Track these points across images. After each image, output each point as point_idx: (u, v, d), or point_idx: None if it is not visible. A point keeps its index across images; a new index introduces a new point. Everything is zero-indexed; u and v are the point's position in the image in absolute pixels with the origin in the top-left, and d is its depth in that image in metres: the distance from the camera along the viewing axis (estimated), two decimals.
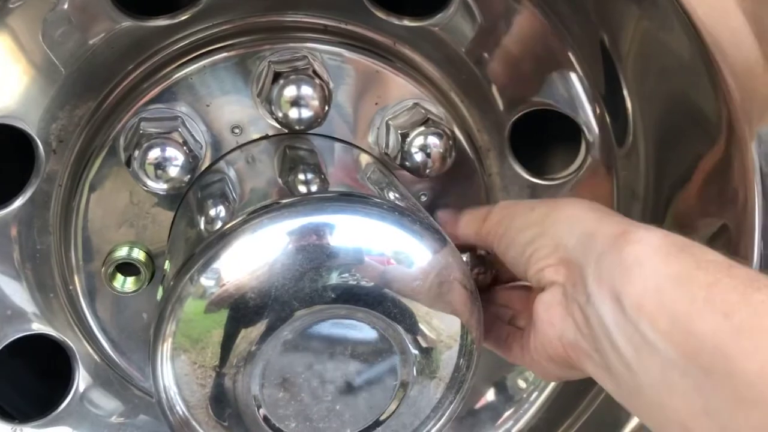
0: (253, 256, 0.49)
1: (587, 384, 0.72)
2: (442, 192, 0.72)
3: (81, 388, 0.73)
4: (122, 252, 0.67)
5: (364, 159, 0.67)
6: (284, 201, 0.51)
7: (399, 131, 0.66)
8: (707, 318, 0.40)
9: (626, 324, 0.43)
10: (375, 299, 0.50)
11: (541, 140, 0.77)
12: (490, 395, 0.76)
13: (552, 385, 0.76)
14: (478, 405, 0.76)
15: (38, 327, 0.71)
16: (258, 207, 0.51)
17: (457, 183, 0.72)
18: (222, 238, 0.50)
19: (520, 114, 0.71)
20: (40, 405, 0.73)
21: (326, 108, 0.63)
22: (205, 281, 0.49)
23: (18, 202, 0.66)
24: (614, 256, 0.44)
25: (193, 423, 0.51)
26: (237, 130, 0.66)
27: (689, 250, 0.43)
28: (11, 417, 0.72)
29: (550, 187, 0.74)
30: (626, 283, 0.43)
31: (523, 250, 0.53)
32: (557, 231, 0.51)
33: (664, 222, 0.71)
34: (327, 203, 0.51)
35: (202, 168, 0.65)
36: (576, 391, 0.75)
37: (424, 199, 0.71)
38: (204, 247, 0.50)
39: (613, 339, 0.43)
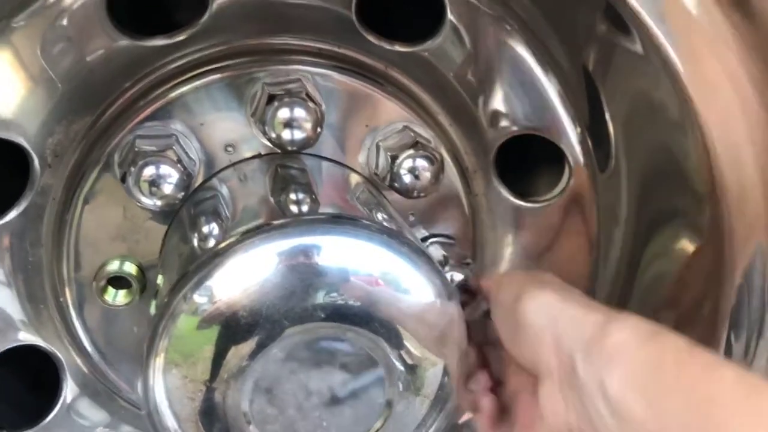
0: (245, 276, 0.51)
1: None
2: (430, 212, 0.74)
3: (68, 399, 0.74)
4: (114, 266, 0.68)
5: (354, 179, 0.69)
6: (276, 222, 0.53)
7: (389, 153, 0.68)
8: (674, 397, 0.44)
9: (613, 411, 0.47)
10: (362, 318, 0.52)
11: (527, 163, 0.80)
12: None
13: None
14: (461, 420, 0.78)
15: (27, 337, 0.71)
16: (250, 227, 0.53)
17: (444, 203, 0.74)
18: (215, 257, 0.51)
19: (505, 138, 0.74)
20: (28, 415, 0.74)
21: (318, 130, 0.65)
22: (198, 298, 0.51)
23: (12, 215, 0.67)
24: (599, 346, 0.48)
25: (178, 429, 0.52)
26: (230, 149, 0.67)
27: (658, 338, 0.48)
28: None
29: (534, 209, 0.76)
30: (608, 372, 0.47)
31: (514, 332, 0.54)
32: (544, 315, 0.53)
33: (645, 248, 0.74)
34: (317, 225, 0.53)
35: (196, 185, 0.66)
36: None
37: (411, 218, 0.73)
38: (198, 266, 0.52)
39: (608, 425, 0.47)
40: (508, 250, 0.77)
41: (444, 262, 0.71)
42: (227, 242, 0.52)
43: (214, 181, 0.67)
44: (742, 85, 0.57)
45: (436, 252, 0.72)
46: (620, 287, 0.76)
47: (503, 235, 0.77)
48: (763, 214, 0.60)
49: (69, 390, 0.74)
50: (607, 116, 0.72)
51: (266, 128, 0.64)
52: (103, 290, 0.68)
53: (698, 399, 0.43)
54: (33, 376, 0.78)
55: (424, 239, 0.73)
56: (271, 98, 0.64)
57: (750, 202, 0.60)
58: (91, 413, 0.75)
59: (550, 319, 0.52)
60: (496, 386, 0.58)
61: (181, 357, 0.51)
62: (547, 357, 0.51)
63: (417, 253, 0.55)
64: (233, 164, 0.67)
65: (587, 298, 0.55)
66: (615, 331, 0.48)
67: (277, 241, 0.51)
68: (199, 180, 0.67)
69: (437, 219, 0.74)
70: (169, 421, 0.52)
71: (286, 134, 0.63)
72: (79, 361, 0.73)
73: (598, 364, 0.47)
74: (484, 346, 0.59)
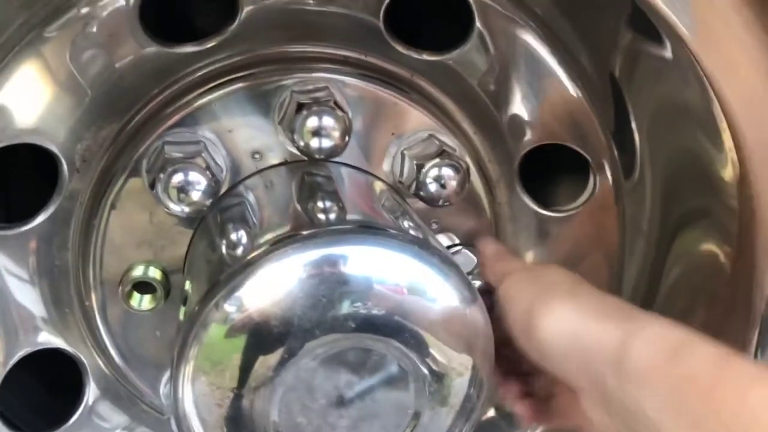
0: (275, 286, 0.51)
1: None
2: (453, 220, 0.74)
3: (90, 402, 0.74)
4: (139, 271, 0.68)
5: (379, 187, 0.69)
6: (306, 232, 0.53)
7: (414, 161, 0.68)
8: (712, 419, 0.43)
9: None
10: (392, 329, 0.52)
11: (551, 172, 0.80)
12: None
13: None
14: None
15: (51, 340, 0.72)
16: (280, 236, 0.53)
17: (468, 212, 0.74)
18: (245, 267, 0.51)
19: (530, 147, 0.74)
20: (50, 418, 0.74)
21: (346, 138, 0.65)
22: (229, 308, 0.51)
23: (39, 219, 0.68)
24: (626, 368, 0.47)
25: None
26: (257, 156, 0.68)
27: (686, 351, 0.46)
28: (20, 430, 0.73)
29: (557, 218, 0.76)
30: (642, 396, 0.46)
31: (536, 355, 0.54)
32: (567, 339, 0.52)
33: (667, 257, 0.73)
34: (347, 235, 0.53)
35: (222, 191, 0.67)
36: None
37: (435, 226, 0.73)
38: (228, 275, 0.52)
39: None
40: (530, 259, 0.77)
41: (471, 272, 0.71)
42: (257, 252, 0.52)
43: (241, 188, 0.67)
44: None
45: (468, 258, 0.72)
46: (642, 297, 0.76)
47: (526, 243, 0.76)
48: None
49: (91, 393, 0.74)
50: (633, 124, 0.72)
51: (294, 136, 0.64)
52: (129, 295, 0.69)
53: (735, 422, 0.42)
54: (55, 378, 0.79)
55: (449, 247, 0.73)
56: (300, 107, 0.64)
57: None
58: (112, 416, 0.76)
59: (571, 339, 0.50)
60: (528, 380, 0.57)
61: (210, 365, 0.52)
62: (576, 377, 0.50)
63: (444, 261, 0.55)
64: (260, 171, 0.67)
65: (598, 296, 0.54)
66: (638, 348, 0.46)
67: (307, 252, 0.51)
68: (226, 186, 0.67)
69: (460, 227, 0.74)
70: (197, 427, 0.53)
71: (315, 142, 0.64)
72: (101, 364, 0.73)
73: (630, 388, 0.46)
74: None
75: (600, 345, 0.49)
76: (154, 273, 0.68)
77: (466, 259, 0.72)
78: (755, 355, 0.63)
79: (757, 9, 0.55)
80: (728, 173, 0.63)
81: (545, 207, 0.75)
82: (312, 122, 0.63)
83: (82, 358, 0.73)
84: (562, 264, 0.75)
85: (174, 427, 0.55)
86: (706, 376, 0.44)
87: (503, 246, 0.72)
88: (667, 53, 0.62)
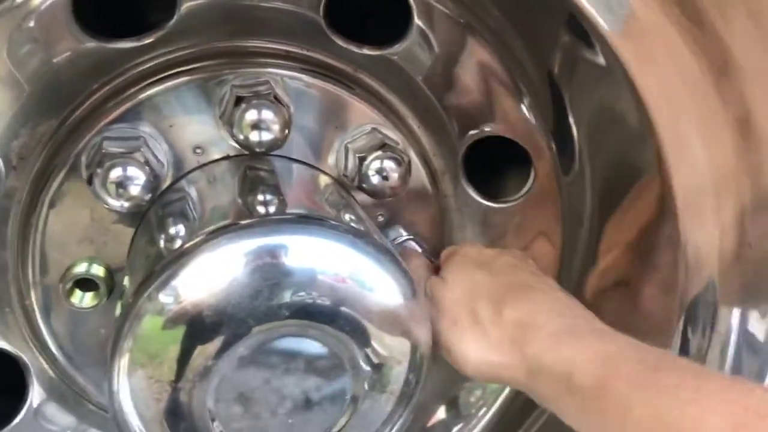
0: (211, 275, 0.51)
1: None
2: (399, 213, 0.75)
3: (35, 403, 0.73)
4: (81, 268, 0.67)
5: (323, 180, 0.70)
6: (242, 222, 0.53)
7: (357, 154, 0.69)
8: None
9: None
10: (328, 317, 0.53)
11: (494, 165, 0.81)
12: (441, 412, 0.79)
13: (500, 401, 0.79)
14: (430, 422, 0.79)
15: None
16: (217, 227, 0.53)
17: (413, 205, 0.75)
18: (181, 257, 0.51)
19: (472, 141, 0.75)
20: None
21: (286, 132, 0.65)
22: (164, 298, 0.51)
23: None
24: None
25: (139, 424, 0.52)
26: (198, 151, 0.68)
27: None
28: None
29: (501, 210, 0.77)
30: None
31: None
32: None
33: (600, 243, 0.76)
34: (283, 225, 0.53)
35: (164, 187, 0.66)
36: (523, 407, 0.78)
37: (381, 219, 0.74)
38: (163, 265, 0.52)
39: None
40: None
41: None
42: (193, 242, 0.52)
43: (183, 183, 0.67)
44: (698, 88, 0.59)
45: (413, 249, 0.73)
46: (577, 282, 0.78)
47: (472, 235, 0.78)
48: (713, 219, 0.62)
49: (35, 394, 0.73)
50: (571, 121, 0.74)
51: (234, 130, 0.65)
52: (70, 292, 0.68)
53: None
54: None
55: (396, 239, 0.74)
56: (239, 100, 0.64)
57: (702, 207, 0.62)
58: (59, 417, 0.75)
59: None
60: None
61: (147, 357, 0.51)
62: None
63: (382, 251, 0.56)
64: (202, 166, 0.67)
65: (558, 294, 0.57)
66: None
67: (244, 241, 0.51)
68: (168, 182, 0.67)
69: (407, 220, 0.75)
70: (135, 422, 0.52)
71: (254, 136, 0.64)
72: (45, 364, 0.72)
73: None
74: None
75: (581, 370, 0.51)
76: (97, 270, 0.67)
77: (415, 247, 0.73)
78: (684, 335, 0.65)
79: (680, 7, 0.58)
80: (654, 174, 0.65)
81: (489, 199, 0.77)
82: (251, 115, 0.63)
83: (25, 359, 0.72)
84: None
85: (115, 424, 0.55)
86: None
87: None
88: (600, 60, 0.64)
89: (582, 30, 0.63)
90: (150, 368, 0.52)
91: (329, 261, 0.53)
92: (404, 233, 0.75)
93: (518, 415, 0.78)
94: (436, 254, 0.74)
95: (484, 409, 0.79)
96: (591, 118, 0.72)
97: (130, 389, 0.52)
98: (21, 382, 0.73)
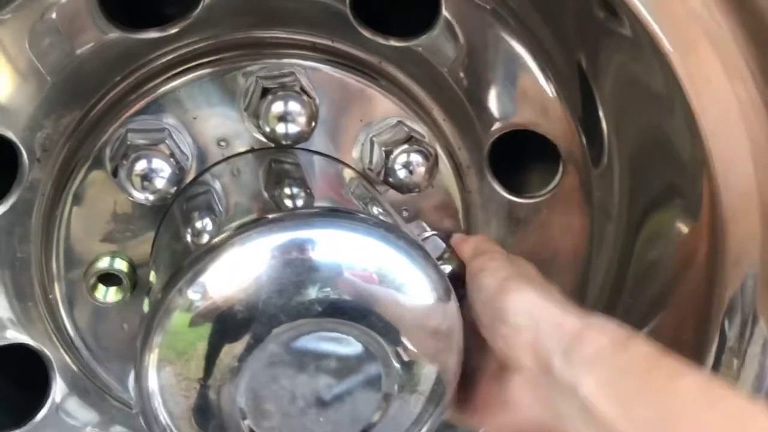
0: (240, 270, 0.50)
1: None
2: (423, 207, 0.74)
3: (58, 398, 0.73)
4: (104, 263, 0.67)
5: (348, 174, 0.69)
6: (271, 216, 0.52)
7: (383, 148, 0.68)
8: (643, 404, 0.46)
9: (585, 413, 0.49)
10: (359, 313, 0.52)
11: (521, 159, 0.80)
12: None
13: None
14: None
15: (15, 336, 0.70)
16: (245, 221, 0.52)
17: (438, 199, 0.74)
18: (209, 252, 0.50)
19: (499, 134, 0.74)
20: (16, 415, 0.73)
21: (313, 124, 0.64)
22: (192, 294, 0.50)
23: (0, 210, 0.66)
24: (578, 351, 0.50)
25: (172, 427, 0.51)
26: (223, 143, 0.67)
27: (631, 345, 0.50)
28: None
29: (527, 205, 0.76)
30: (584, 376, 0.49)
31: (492, 321, 0.56)
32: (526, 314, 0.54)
33: (637, 239, 0.74)
34: (313, 218, 0.52)
35: (188, 180, 0.65)
36: None
37: (405, 214, 0.73)
38: (192, 261, 0.51)
39: (577, 425, 0.50)
40: (502, 245, 0.76)
41: (440, 258, 0.71)
42: (221, 237, 0.51)
43: (207, 176, 0.66)
44: (739, 74, 0.57)
45: (437, 245, 0.72)
46: (612, 279, 0.76)
47: (496, 230, 0.76)
48: (755, 195, 0.61)
49: (58, 389, 0.72)
50: (600, 112, 0.72)
51: (260, 122, 0.64)
52: (94, 287, 0.67)
53: (664, 406, 0.45)
54: (21, 374, 0.77)
55: (419, 234, 0.73)
56: (265, 92, 0.63)
57: (743, 187, 0.60)
58: (81, 413, 0.74)
59: (532, 319, 0.53)
60: None
61: (175, 354, 0.51)
62: (523, 353, 0.53)
63: (414, 247, 0.55)
64: (226, 159, 0.66)
65: (564, 298, 0.57)
66: (593, 337, 0.50)
67: (272, 235, 0.50)
68: (192, 175, 0.66)
69: (431, 214, 0.74)
70: (163, 418, 0.52)
71: (280, 128, 0.63)
72: (68, 359, 0.72)
73: (575, 369, 0.49)
74: None
75: (557, 329, 0.52)
76: (120, 265, 0.67)
77: (436, 245, 0.72)
78: (722, 328, 0.64)
79: None
80: (691, 154, 0.63)
81: (515, 194, 0.76)
82: (277, 107, 0.62)
83: (48, 353, 0.71)
84: (532, 250, 0.76)
85: (141, 421, 0.54)
86: (645, 365, 0.48)
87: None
88: (627, 32, 0.63)
89: (610, 6, 0.61)
90: (178, 365, 0.51)
91: (360, 256, 0.52)
92: (428, 229, 0.74)
93: None
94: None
95: None
96: (621, 110, 0.71)
97: (159, 386, 0.51)
98: (44, 377, 0.72)
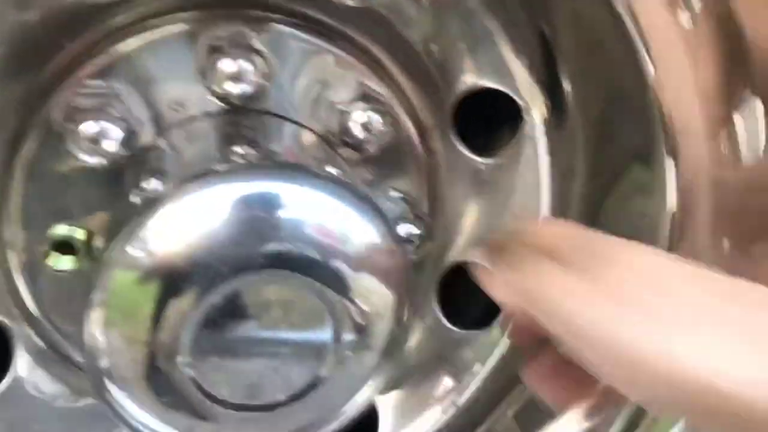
0: (182, 224, 0.49)
1: None
2: (386, 172, 0.73)
3: (22, 372, 0.72)
4: (59, 230, 0.66)
5: (306, 136, 0.68)
6: (216, 168, 0.51)
7: (341, 108, 0.67)
8: None
9: None
10: (309, 266, 0.51)
11: (485, 119, 0.79)
12: (436, 369, 0.78)
13: (496, 357, 0.78)
14: (424, 379, 0.78)
15: None
16: (187, 176, 0.51)
17: (401, 163, 0.73)
18: (150, 207, 0.50)
19: (461, 94, 0.73)
20: None
21: (266, 83, 0.63)
22: (133, 251, 0.49)
23: None
24: None
25: (124, 393, 0.51)
26: (178, 107, 0.65)
27: None
28: None
29: (491, 165, 0.75)
30: None
31: None
32: None
33: (604, 202, 0.73)
34: (261, 171, 0.51)
35: (141, 144, 0.64)
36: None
37: (368, 177, 0.72)
38: (136, 218, 0.50)
39: None
40: (467, 206, 0.76)
41: (402, 217, 0.71)
42: (162, 192, 0.50)
43: (161, 141, 0.65)
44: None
45: (396, 206, 0.71)
46: None
47: (463, 191, 0.76)
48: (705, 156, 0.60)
49: (22, 362, 0.72)
50: (560, 69, 0.71)
51: (212, 83, 0.62)
52: (49, 255, 0.66)
53: None
54: None
55: (382, 195, 0.72)
56: (215, 50, 0.62)
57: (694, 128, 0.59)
58: (47, 386, 0.73)
59: None
60: None
61: (119, 313, 0.50)
62: None
63: (365, 202, 0.54)
64: (181, 123, 0.65)
65: None
66: None
67: (218, 186, 0.49)
68: (146, 140, 0.65)
69: (394, 178, 0.73)
70: (109, 378, 0.51)
71: (232, 88, 0.62)
72: (30, 331, 0.71)
73: None
74: None
75: None
76: (75, 232, 0.66)
77: (397, 206, 0.71)
78: None
79: None
80: (644, 103, 0.62)
81: (480, 154, 0.75)
82: (228, 66, 0.61)
83: (9, 325, 0.71)
84: (498, 210, 0.76)
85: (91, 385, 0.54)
86: None
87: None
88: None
89: None
90: (122, 323, 0.50)
91: (308, 208, 0.51)
92: (392, 192, 0.73)
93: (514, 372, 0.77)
94: (424, 212, 0.72)
95: (474, 367, 0.78)
96: (580, 65, 0.70)
97: (105, 345, 0.51)
98: (5, 351, 0.72)
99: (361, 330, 0.53)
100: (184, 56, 0.65)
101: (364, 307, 0.53)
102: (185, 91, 0.65)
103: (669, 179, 0.64)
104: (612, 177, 0.73)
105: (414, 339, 0.79)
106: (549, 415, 0.70)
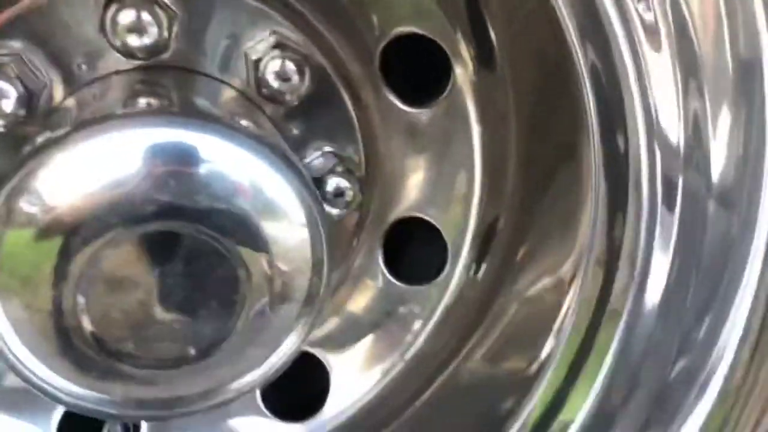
0: (73, 173, 0.46)
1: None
2: (315, 127, 0.70)
3: None
4: None
5: (223, 91, 0.65)
6: (117, 112, 0.48)
7: (255, 58, 0.64)
8: None
9: None
10: (217, 218, 0.48)
11: (416, 73, 0.76)
12: (384, 324, 0.76)
13: (441, 310, 0.76)
14: (373, 336, 0.76)
15: None
16: (79, 122, 0.48)
17: (330, 117, 0.71)
18: (42, 153, 0.46)
19: (386, 41, 0.70)
20: None
21: (168, 34, 0.60)
22: (23, 204, 0.46)
23: None
24: None
25: (27, 354, 0.48)
26: (84, 66, 0.63)
27: None
28: None
29: (423, 114, 0.73)
30: None
31: None
32: None
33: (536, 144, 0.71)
34: (164, 117, 0.49)
35: (48, 106, 0.61)
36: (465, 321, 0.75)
37: (296, 132, 0.70)
38: (23, 166, 0.46)
39: None
40: (406, 162, 0.74)
41: (332, 171, 0.68)
42: (54, 136, 0.47)
43: (68, 101, 0.62)
44: None
45: (327, 161, 0.69)
46: (519, 182, 0.74)
47: (399, 146, 0.73)
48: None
49: None
50: (485, 11, 0.69)
51: (113, 36, 0.60)
52: None
53: None
54: None
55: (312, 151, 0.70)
56: (117, 2, 0.59)
57: None
58: None
59: None
60: None
61: (12, 276, 0.47)
62: None
63: (278, 156, 0.51)
64: (87, 82, 0.62)
65: None
66: None
67: (109, 134, 0.46)
68: (52, 100, 0.62)
69: (327, 133, 0.71)
70: (12, 343, 0.49)
71: (133, 40, 0.59)
72: None
73: None
74: None
75: None
76: None
77: (327, 160, 0.69)
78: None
79: None
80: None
81: (411, 104, 0.72)
82: (127, 17, 0.58)
83: None
84: (434, 161, 0.74)
85: None
86: None
87: None
88: None
89: None
90: (23, 290, 0.48)
91: (215, 159, 0.49)
92: (326, 147, 0.71)
93: (460, 327, 0.76)
94: (357, 165, 0.70)
95: (421, 321, 0.76)
96: (506, 11, 0.67)
97: (8, 319, 0.48)
98: None
99: (275, 283, 0.51)
100: (86, 12, 0.62)
101: (279, 262, 0.51)
102: (90, 48, 0.62)
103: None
104: (539, 122, 0.71)
105: (362, 297, 0.78)
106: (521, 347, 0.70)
